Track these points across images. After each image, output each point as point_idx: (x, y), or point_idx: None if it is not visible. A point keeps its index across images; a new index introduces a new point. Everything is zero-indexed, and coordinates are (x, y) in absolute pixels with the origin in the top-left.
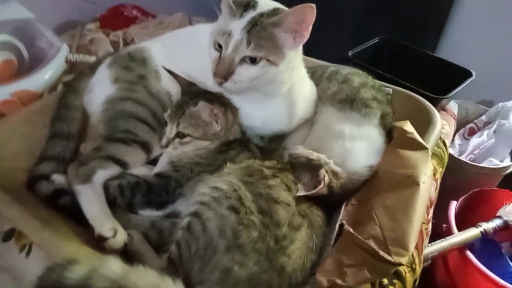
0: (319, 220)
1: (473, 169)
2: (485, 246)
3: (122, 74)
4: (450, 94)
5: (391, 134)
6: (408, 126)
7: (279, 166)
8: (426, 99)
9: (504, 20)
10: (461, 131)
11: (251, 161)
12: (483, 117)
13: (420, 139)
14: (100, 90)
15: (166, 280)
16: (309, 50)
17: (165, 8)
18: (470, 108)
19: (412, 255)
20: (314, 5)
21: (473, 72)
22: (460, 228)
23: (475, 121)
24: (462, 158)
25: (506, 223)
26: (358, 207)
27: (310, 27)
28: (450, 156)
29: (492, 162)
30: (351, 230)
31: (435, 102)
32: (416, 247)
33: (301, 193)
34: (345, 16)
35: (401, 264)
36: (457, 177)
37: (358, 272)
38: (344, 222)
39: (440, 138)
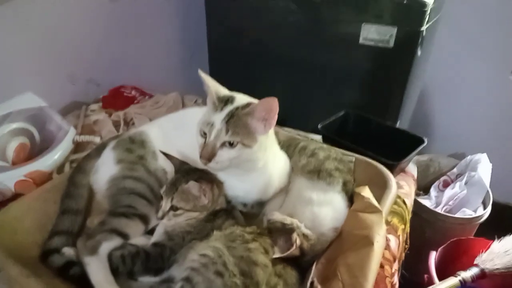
0: (293, 279)
1: (448, 220)
2: None
3: (125, 155)
4: (404, 160)
5: (352, 199)
6: (366, 192)
7: (258, 231)
8: (385, 165)
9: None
10: (436, 183)
11: (235, 228)
12: (455, 169)
13: (375, 203)
14: (105, 170)
15: None
16: (287, 120)
17: (161, 88)
18: (442, 161)
19: None
20: (276, 98)
21: (425, 139)
22: (442, 277)
23: (448, 173)
24: (438, 209)
25: (482, 271)
26: (326, 265)
27: (276, 116)
28: (426, 208)
29: (466, 213)
30: (319, 287)
31: (392, 167)
32: None
33: (277, 255)
34: (320, 89)
35: None
36: (435, 229)
37: None
38: (314, 280)
39: (400, 197)
